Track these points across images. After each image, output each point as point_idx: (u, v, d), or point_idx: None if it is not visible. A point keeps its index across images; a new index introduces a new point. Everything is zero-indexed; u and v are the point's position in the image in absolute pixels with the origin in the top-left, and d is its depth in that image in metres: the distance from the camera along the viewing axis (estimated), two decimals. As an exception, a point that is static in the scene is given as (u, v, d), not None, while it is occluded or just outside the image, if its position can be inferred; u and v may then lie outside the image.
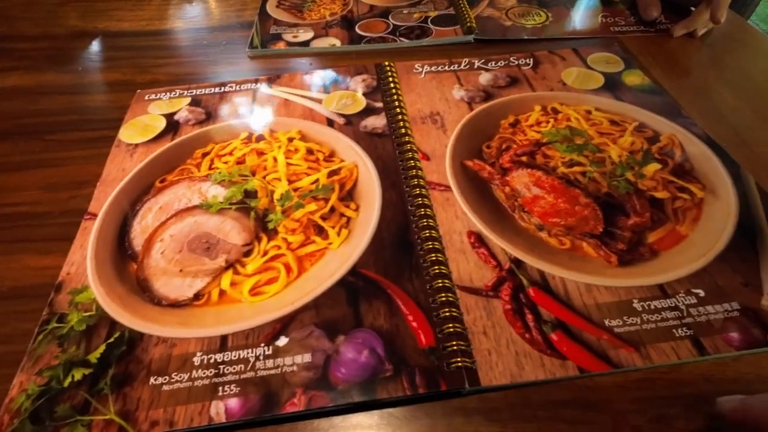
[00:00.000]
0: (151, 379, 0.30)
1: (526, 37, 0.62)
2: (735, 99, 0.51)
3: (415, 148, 0.45)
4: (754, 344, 0.31)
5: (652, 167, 0.42)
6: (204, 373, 0.30)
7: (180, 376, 0.30)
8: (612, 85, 0.52)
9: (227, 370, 0.30)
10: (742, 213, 0.39)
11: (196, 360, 0.31)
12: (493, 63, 0.56)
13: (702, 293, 0.34)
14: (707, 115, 0.49)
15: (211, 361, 0.31)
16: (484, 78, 0.54)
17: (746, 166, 0.43)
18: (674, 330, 0.32)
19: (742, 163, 0.43)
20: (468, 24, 0.62)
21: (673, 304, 0.33)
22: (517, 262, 0.36)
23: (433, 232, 0.38)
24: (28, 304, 0.35)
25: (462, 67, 0.56)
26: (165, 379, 0.30)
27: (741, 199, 0.40)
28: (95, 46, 0.65)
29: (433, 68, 0.56)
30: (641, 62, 0.56)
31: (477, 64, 0.56)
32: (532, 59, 0.56)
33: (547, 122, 0.48)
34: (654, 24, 0.62)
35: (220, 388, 0.29)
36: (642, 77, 0.53)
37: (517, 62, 0.56)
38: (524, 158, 0.44)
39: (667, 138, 0.45)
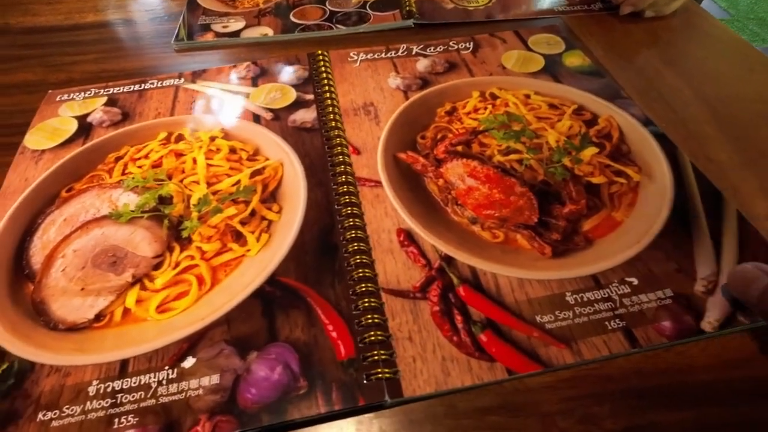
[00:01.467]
0: (40, 415, 0.27)
1: (467, 20, 0.59)
2: (674, 78, 0.50)
3: (345, 142, 0.43)
4: (685, 333, 0.30)
5: (589, 151, 0.41)
6: (99, 404, 0.27)
7: (72, 410, 0.27)
8: (552, 67, 0.50)
9: (125, 398, 0.27)
10: (677, 195, 0.38)
11: (92, 390, 0.28)
12: (432, 48, 0.54)
13: (636, 282, 0.33)
14: (646, 94, 0.48)
15: (108, 389, 0.28)
16: (422, 65, 0.51)
17: (682, 144, 0.42)
18: (607, 322, 0.31)
19: (679, 141, 0.42)
20: (407, 8, 0.60)
21: (606, 295, 0.32)
22: (448, 260, 0.34)
23: (360, 232, 0.36)
24: None
25: (399, 53, 0.53)
26: (55, 414, 0.27)
27: (677, 180, 0.39)
28: (7, 43, 0.59)
29: (368, 56, 0.53)
30: (583, 43, 0.55)
31: (415, 50, 0.53)
32: (472, 43, 0.54)
33: (485, 108, 0.46)
34: (611, 6, 0.60)
35: (116, 420, 0.27)
36: (582, 58, 0.52)
37: (456, 47, 0.54)
38: (460, 148, 0.42)
39: (605, 120, 0.44)
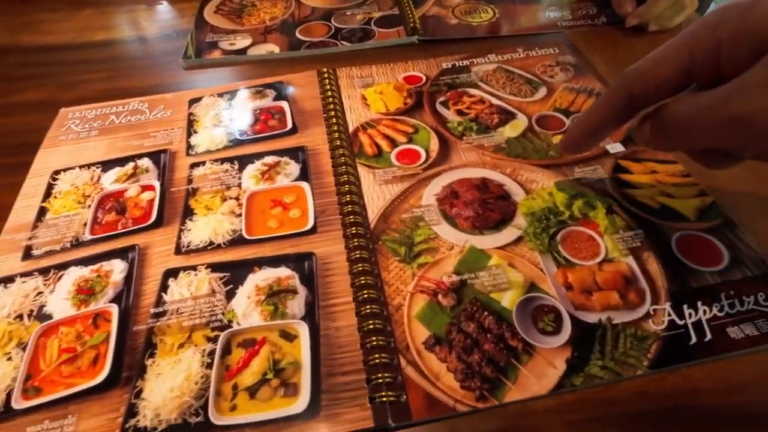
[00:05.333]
0: None
1: (471, 36, 0.60)
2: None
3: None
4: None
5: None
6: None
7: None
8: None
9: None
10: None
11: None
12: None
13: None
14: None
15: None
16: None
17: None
18: (611, 345, 0.31)
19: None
20: (412, 24, 0.60)
21: (610, 317, 0.32)
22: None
23: (364, 252, 0.36)
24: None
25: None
26: None
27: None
28: (18, 62, 0.61)
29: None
30: (587, 57, 0.55)
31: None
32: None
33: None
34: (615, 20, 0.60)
35: None
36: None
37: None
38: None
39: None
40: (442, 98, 0.50)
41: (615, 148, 0.43)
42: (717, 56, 0.25)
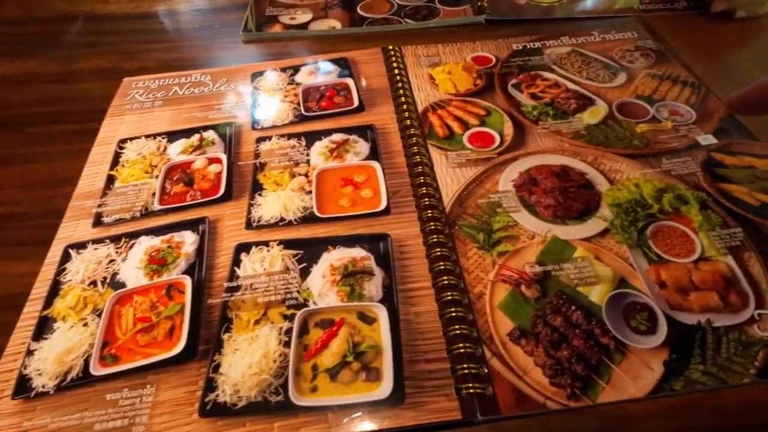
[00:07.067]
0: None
1: (541, 18, 0.57)
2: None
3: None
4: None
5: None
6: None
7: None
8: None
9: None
10: None
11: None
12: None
13: None
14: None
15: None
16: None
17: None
18: (712, 349, 0.29)
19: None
20: (479, 3, 0.58)
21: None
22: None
23: (444, 250, 0.34)
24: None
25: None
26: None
27: None
28: (80, 30, 0.61)
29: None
30: (668, 43, 0.52)
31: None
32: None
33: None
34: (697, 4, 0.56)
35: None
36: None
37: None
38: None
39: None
40: (514, 81, 0.48)
41: (707, 140, 0.40)
42: None
